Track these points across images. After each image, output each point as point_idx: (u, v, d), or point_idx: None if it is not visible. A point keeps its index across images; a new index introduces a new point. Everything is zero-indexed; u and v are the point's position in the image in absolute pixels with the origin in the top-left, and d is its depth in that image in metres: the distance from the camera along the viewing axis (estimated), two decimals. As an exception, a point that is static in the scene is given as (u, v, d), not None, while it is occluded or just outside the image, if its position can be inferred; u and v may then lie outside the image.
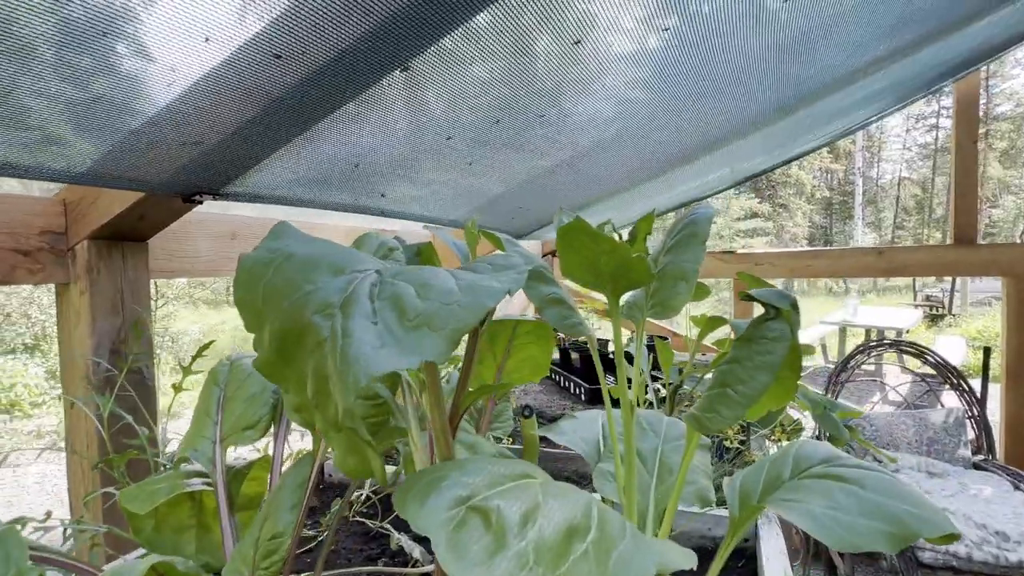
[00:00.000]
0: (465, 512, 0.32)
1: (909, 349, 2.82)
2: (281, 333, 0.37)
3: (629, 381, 0.54)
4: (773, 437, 1.36)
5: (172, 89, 0.67)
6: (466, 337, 0.61)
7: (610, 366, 2.19)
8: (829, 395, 2.72)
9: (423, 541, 1.03)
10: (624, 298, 0.53)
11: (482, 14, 0.73)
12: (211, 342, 0.92)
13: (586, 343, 2.66)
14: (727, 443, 1.26)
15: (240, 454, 0.87)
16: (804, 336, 7.02)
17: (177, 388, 0.84)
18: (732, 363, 0.45)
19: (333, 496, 1.22)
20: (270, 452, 0.74)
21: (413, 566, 0.96)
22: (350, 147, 1.01)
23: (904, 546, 0.43)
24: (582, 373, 2.12)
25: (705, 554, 0.82)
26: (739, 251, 3.11)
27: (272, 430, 0.72)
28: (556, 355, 2.52)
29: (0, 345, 6.13)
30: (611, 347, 2.10)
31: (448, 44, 0.79)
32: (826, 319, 7.96)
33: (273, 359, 0.38)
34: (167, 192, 0.93)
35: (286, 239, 0.42)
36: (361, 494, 1.17)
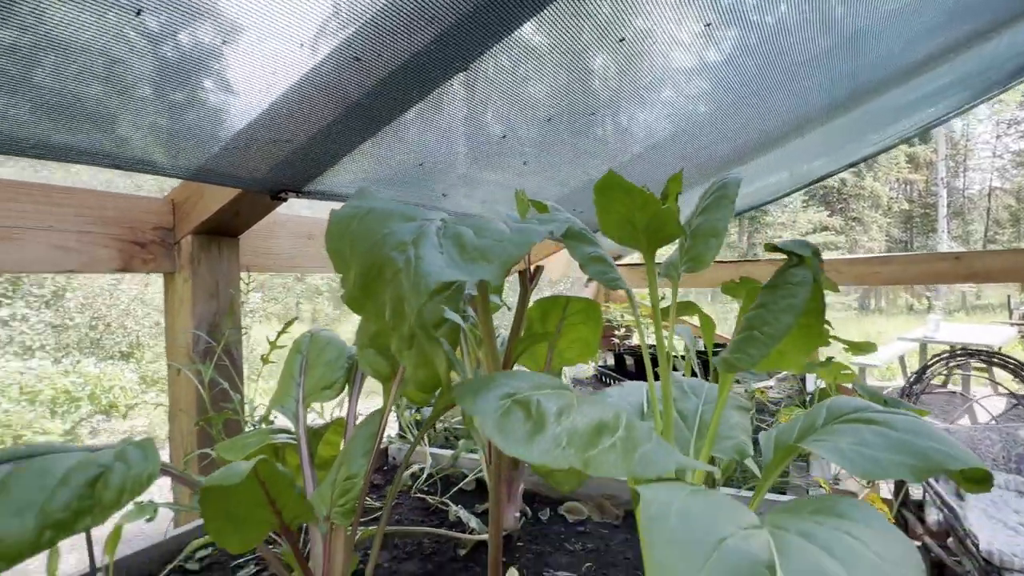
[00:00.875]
0: (511, 404, 0.38)
1: (999, 361, 2.63)
2: (364, 270, 0.45)
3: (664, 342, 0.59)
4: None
5: (271, 92, 0.79)
6: (519, 292, 0.68)
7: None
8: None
9: (481, 516, 1.09)
10: (660, 258, 0.58)
11: (540, 36, 0.81)
12: (294, 319, 1.04)
13: (639, 347, 2.66)
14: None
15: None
16: (882, 353, 6.61)
17: (265, 359, 0.95)
18: (758, 308, 0.49)
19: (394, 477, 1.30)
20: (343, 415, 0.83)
21: (470, 535, 1.02)
22: (415, 148, 1.11)
23: (928, 476, 0.46)
24: (636, 377, 2.13)
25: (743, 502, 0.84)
26: (802, 258, 3.02)
27: (347, 391, 0.81)
28: (611, 360, 2.53)
29: (100, 352, 6.78)
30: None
31: (504, 49, 0.88)
32: (905, 336, 7.48)
33: (357, 293, 0.46)
34: (258, 189, 1.06)
35: (367, 199, 0.50)
36: (423, 472, 1.25)
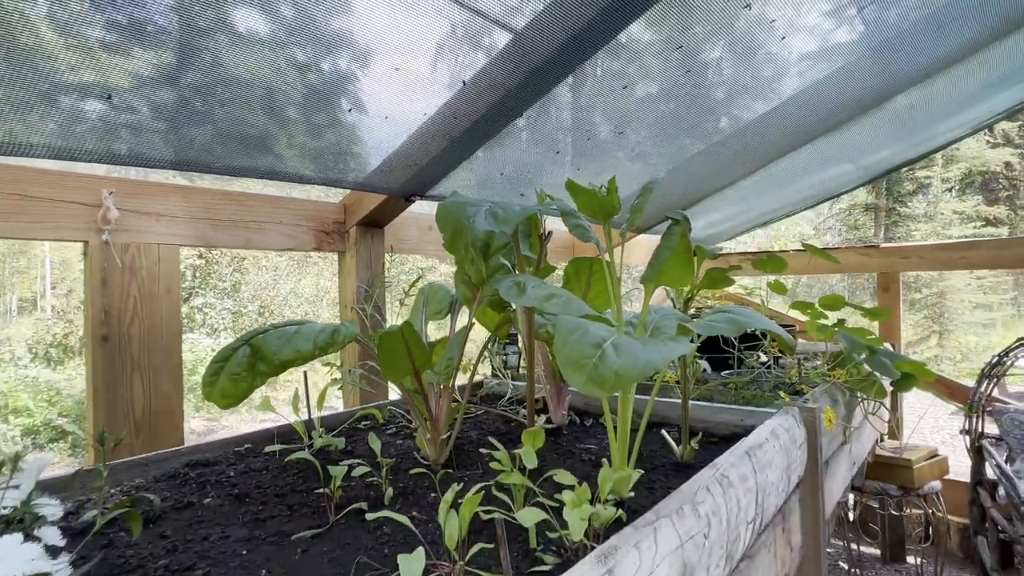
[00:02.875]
0: (513, 283, 0.86)
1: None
2: (453, 229, 0.95)
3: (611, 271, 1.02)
4: (838, 379, 1.63)
5: (404, 135, 1.33)
6: (538, 250, 1.15)
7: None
8: (984, 388, 2.65)
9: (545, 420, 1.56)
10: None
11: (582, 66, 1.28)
12: (419, 277, 1.58)
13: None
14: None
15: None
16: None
17: (402, 303, 1.50)
18: (657, 248, 0.92)
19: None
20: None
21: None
22: (497, 162, 1.61)
23: (737, 333, 0.86)
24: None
25: (736, 438, 1.22)
26: (882, 245, 3.11)
27: (449, 315, 1.33)
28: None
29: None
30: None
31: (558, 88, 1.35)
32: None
33: (450, 241, 0.96)
34: (397, 195, 1.63)
35: (457, 196, 1.00)
36: (506, 395, 1.75)
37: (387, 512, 0.75)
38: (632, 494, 1.00)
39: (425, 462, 1.20)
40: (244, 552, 0.83)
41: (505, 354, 1.95)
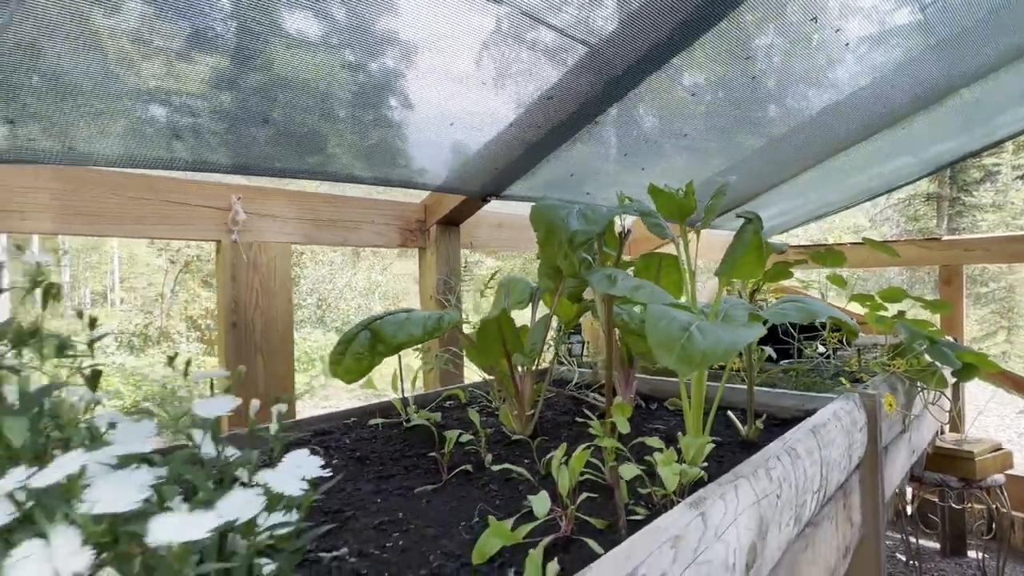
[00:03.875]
0: (605, 275, 0.99)
1: None
2: (546, 228, 1.09)
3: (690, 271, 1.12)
4: (898, 368, 1.69)
5: (483, 140, 1.48)
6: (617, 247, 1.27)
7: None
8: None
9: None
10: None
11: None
12: (496, 271, 1.73)
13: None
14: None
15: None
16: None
17: (481, 292, 1.66)
18: (731, 246, 1.03)
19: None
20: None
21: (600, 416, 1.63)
22: (566, 164, 1.74)
23: (808, 320, 0.97)
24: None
25: (796, 422, 1.31)
26: (944, 238, 3.07)
27: (530, 305, 1.47)
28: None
29: (323, 326, 8.71)
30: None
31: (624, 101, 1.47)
32: None
33: (543, 239, 1.10)
34: (475, 195, 1.78)
35: (549, 200, 1.14)
36: (573, 380, 1.89)
37: (506, 465, 0.89)
38: (705, 464, 1.12)
39: (512, 435, 1.35)
40: (378, 500, 1.00)
41: (570, 343, 2.08)
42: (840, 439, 1.23)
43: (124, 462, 0.49)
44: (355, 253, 11.10)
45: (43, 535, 0.36)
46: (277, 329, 1.55)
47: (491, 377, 1.73)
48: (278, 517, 0.47)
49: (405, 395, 1.55)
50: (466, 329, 1.59)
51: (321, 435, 1.35)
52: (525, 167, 1.67)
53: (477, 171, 1.66)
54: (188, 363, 0.66)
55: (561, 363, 2.05)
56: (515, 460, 1.19)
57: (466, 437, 1.16)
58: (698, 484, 0.93)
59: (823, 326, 1.87)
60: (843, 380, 1.51)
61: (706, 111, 1.78)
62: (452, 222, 1.95)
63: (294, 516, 0.49)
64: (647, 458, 1.02)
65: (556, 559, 0.68)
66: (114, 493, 0.42)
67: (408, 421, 1.49)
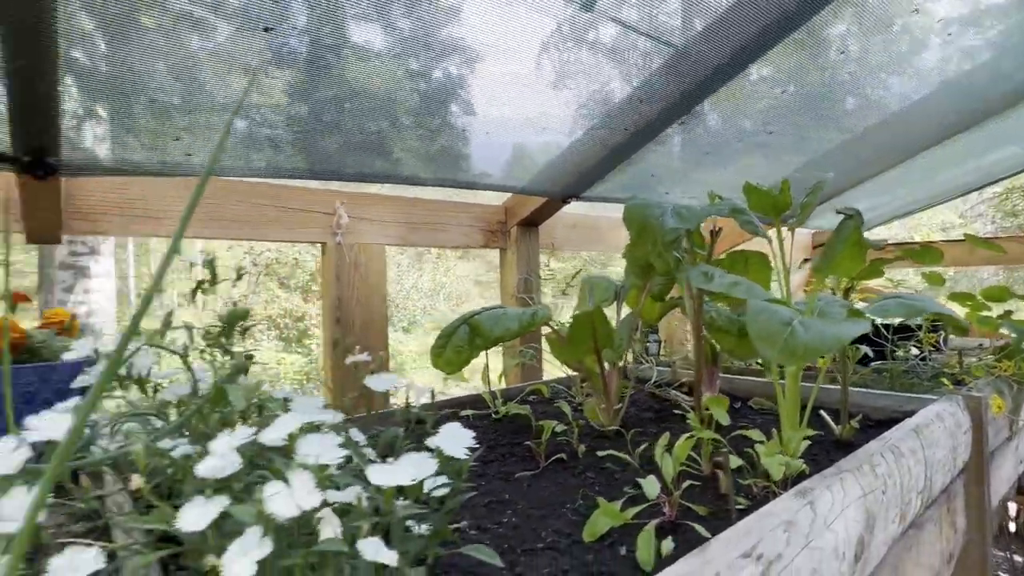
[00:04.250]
0: (702, 272, 1.02)
1: None
2: (639, 227, 1.12)
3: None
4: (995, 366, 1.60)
5: (566, 143, 1.53)
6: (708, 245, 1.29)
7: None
8: None
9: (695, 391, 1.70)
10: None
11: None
12: (579, 271, 1.78)
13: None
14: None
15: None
16: None
17: (563, 291, 1.71)
18: (829, 241, 1.03)
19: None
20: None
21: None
22: (644, 165, 1.77)
23: (912, 317, 0.96)
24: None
25: (893, 423, 1.29)
26: (1054, 234, 2.84)
27: (615, 303, 1.51)
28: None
29: (391, 326, 9.09)
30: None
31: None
32: None
33: (635, 238, 1.14)
34: (556, 197, 1.84)
35: (639, 199, 1.17)
36: (651, 379, 1.91)
37: (610, 451, 0.94)
38: (800, 460, 1.12)
39: (600, 428, 1.40)
40: (482, 483, 1.07)
41: (648, 341, 2.09)
42: (944, 440, 1.20)
43: (309, 428, 0.58)
44: (419, 255, 11.43)
45: (282, 479, 0.44)
46: (374, 325, 1.66)
47: (574, 373, 1.78)
48: (442, 478, 0.54)
49: (492, 389, 1.62)
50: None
51: (419, 424, 1.45)
52: (606, 169, 1.71)
53: (560, 174, 1.71)
54: (337, 345, 0.75)
55: (639, 361, 2.07)
56: (606, 450, 1.23)
57: (560, 428, 1.22)
58: (800, 477, 0.94)
59: (918, 327, 1.80)
60: (944, 381, 1.46)
61: (784, 108, 1.75)
62: (532, 223, 2.02)
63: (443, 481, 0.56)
64: (746, 451, 1.04)
65: (668, 539, 0.73)
66: (319, 449, 0.50)
67: (497, 413, 1.57)
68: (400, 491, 0.55)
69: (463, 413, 1.53)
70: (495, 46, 1.29)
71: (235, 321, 0.66)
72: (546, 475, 1.10)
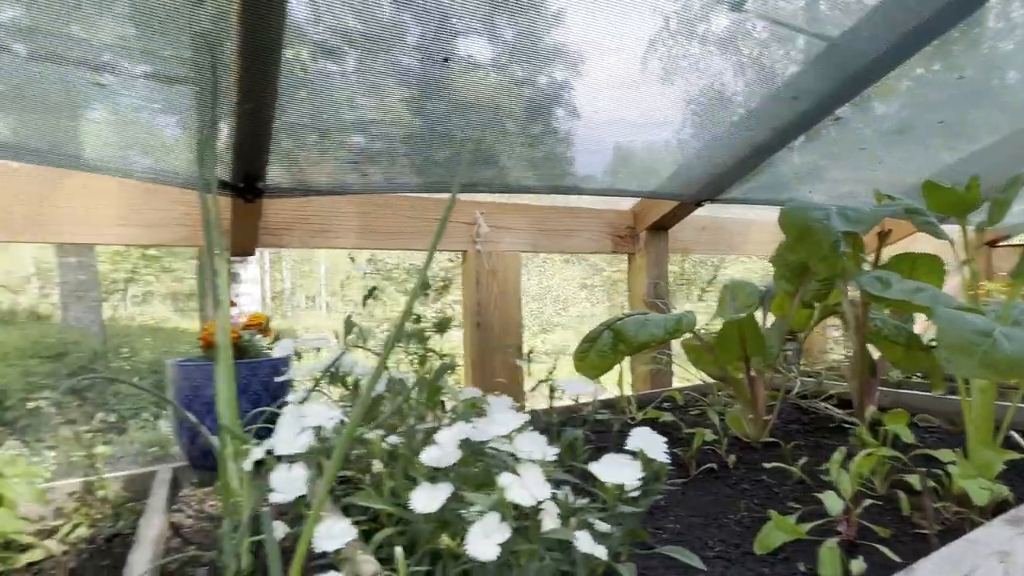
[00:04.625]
0: (874, 277, 0.95)
1: None
2: (799, 230, 1.08)
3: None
4: None
5: (697, 146, 1.49)
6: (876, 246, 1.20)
7: None
8: None
9: (844, 404, 1.58)
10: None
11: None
12: (714, 277, 1.72)
13: None
14: None
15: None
16: None
17: (699, 296, 1.65)
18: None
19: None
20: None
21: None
22: (788, 165, 1.68)
23: None
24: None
25: None
26: None
27: (760, 309, 1.45)
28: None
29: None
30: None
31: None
32: None
33: (794, 241, 1.09)
34: (690, 200, 1.80)
35: (796, 201, 1.12)
36: (793, 390, 1.80)
37: (778, 464, 0.91)
38: (1005, 486, 1.01)
39: (746, 439, 1.35)
40: (633, 488, 1.08)
41: (786, 350, 1.98)
42: None
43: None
44: (525, 260, 11.61)
45: (512, 471, 0.49)
46: (511, 327, 1.73)
47: (711, 380, 1.73)
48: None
49: (626, 394, 1.63)
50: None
51: (562, 425, 1.49)
52: (745, 170, 1.65)
53: (694, 176, 1.68)
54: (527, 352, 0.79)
55: (777, 371, 1.97)
56: (756, 463, 1.19)
57: (711, 437, 1.20)
58: (1001, 504, 0.85)
59: None
60: None
61: (941, 99, 1.57)
62: (662, 227, 1.99)
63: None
64: (932, 471, 0.95)
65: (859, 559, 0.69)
66: (531, 446, 0.54)
67: (633, 419, 1.57)
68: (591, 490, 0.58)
69: (599, 417, 1.55)
70: (600, 44, 1.26)
71: (444, 327, 0.74)
72: (697, 484, 1.09)
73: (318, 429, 0.56)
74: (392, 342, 0.45)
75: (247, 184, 1.10)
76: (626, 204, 2.05)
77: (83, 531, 0.94)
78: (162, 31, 0.79)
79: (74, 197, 1.21)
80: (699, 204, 1.83)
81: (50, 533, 0.93)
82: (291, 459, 0.54)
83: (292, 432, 0.52)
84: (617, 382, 1.58)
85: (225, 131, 1.01)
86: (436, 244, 0.44)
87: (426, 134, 1.30)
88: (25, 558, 0.82)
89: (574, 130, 1.52)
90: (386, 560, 0.63)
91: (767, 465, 1.13)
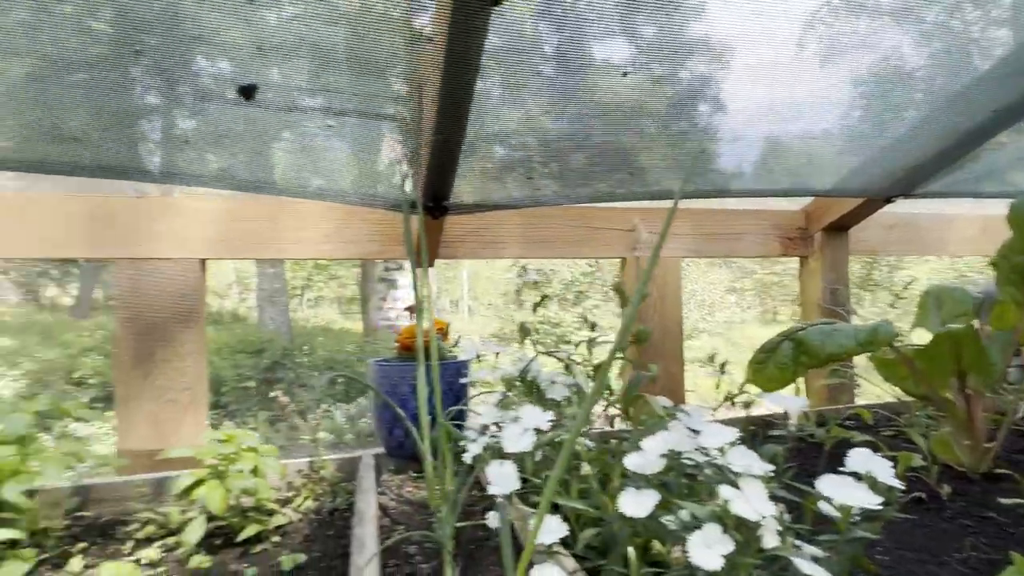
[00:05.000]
0: None
1: None
2: (1036, 229, 0.92)
3: None
4: None
5: (882, 141, 1.32)
6: None
7: None
8: None
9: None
10: None
11: None
12: (911, 281, 1.53)
13: None
14: None
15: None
16: None
17: (893, 306, 1.48)
18: None
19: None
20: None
21: None
22: (996, 152, 1.43)
23: None
24: None
25: None
26: None
27: (979, 319, 1.26)
28: None
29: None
30: None
31: None
32: None
33: (1020, 244, 0.93)
34: (878, 197, 1.62)
35: (1029, 195, 0.96)
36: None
37: (1018, 500, 0.79)
38: None
39: (959, 468, 1.18)
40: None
41: (1012, 366, 1.69)
42: None
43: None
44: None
45: (732, 484, 0.49)
46: (670, 334, 1.70)
47: (905, 398, 1.53)
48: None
49: (806, 410, 1.50)
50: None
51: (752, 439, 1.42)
52: (950, 159, 1.44)
53: (884, 169, 1.50)
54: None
55: (996, 392, 1.68)
56: (978, 496, 1.04)
57: (918, 462, 1.07)
58: None
59: None
60: None
61: None
62: (841, 227, 1.81)
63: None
64: None
65: None
66: (747, 460, 0.54)
67: (812, 436, 1.45)
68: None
69: (773, 433, 1.45)
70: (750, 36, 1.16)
71: (644, 339, 0.76)
72: (909, 516, 0.98)
73: (537, 430, 0.61)
74: (613, 353, 0.48)
75: (436, 203, 1.21)
76: (794, 204, 1.90)
77: (310, 503, 1.11)
78: (378, 73, 0.92)
79: (289, 220, 1.44)
80: (888, 200, 1.63)
81: (284, 503, 1.11)
82: (513, 456, 0.59)
83: (516, 432, 0.58)
84: (796, 395, 1.47)
85: (423, 157, 1.13)
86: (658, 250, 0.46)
87: (594, 146, 1.33)
88: (275, 521, 0.99)
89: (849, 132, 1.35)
90: (582, 557, 0.66)
91: (1004, 501, 0.98)
